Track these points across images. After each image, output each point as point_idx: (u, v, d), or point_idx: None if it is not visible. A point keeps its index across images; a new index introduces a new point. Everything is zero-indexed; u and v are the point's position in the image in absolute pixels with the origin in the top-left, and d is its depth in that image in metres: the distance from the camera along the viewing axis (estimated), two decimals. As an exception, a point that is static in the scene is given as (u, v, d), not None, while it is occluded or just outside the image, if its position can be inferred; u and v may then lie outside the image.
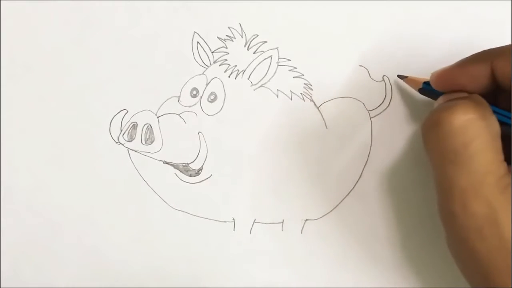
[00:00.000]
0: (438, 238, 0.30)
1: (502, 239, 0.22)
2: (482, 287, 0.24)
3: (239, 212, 0.32)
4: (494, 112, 0.25)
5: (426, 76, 0.28)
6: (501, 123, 0.25)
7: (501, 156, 0.23)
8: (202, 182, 0.32)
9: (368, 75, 0.31)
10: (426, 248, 0.31)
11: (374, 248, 0.31)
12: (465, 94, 0.25)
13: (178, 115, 0.32)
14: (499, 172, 0.23)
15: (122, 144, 0.32)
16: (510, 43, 0.25)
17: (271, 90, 0.31)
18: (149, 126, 0.31)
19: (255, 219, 0.32)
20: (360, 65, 0.31)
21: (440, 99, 0.27)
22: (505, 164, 0.24)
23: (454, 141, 0.23)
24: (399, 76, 0.30)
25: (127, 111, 0.32)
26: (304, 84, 0.31)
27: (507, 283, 0.22)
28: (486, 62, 0.25)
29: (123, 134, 0.32)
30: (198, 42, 0.32)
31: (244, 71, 0.31)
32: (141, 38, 0.32)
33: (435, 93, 0.27)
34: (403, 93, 0.31)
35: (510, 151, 0.26)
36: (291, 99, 0.31)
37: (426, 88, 0.28)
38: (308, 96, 0.31)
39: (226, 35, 0.31)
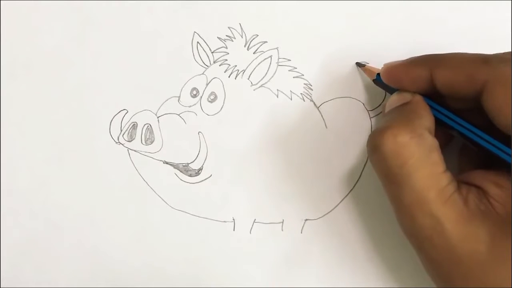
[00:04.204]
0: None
1: (450, 247, 0.23)
2: None
3: (239, 212, 0.32)
4: (441, 113, 0.26)
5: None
6: (444, 124, 0.26)
7: (440, 168, 0.24)
8: (202, 182, 0.32)
9: (368, 75, 0.31)
10: (426, 248, 0.31)
11: (373, 248, 0.31)
12: (408, 98, 0.26)
13: (178, 115, 0.32)
14: (439, 185, 0.24)
15: (122, 144, 0.32)
16: (443, 48, 0.26)
17: (271, 90, 0.31)
18: (149, 126, 0.31)
19: (255, 219, 0.32)
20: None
21: (389, 101, 0.28)
22: (447, 174, 0.24)
23: (390, 164, 0.24)
24: (357, 63, 0.30)
25: (127, 111, 0.32)
26: (304, 84, 0.31)
27: (464, 285, 0.24)
28: (426, 68, 0.26)
29: (123, 134, 0.32)
30: (198, 42, 0.32)
31: (244, 71, 0.31)
32: (141, 38, 0.32)
33: (387, 86, 0.28)
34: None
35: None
36: (291, 99, 0.31)
37: (379, 80, 0.28)
38: (308, 96, 0.31)
39: (226, 35, 0.31)
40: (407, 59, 0.27)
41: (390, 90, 0.28)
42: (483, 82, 0.24)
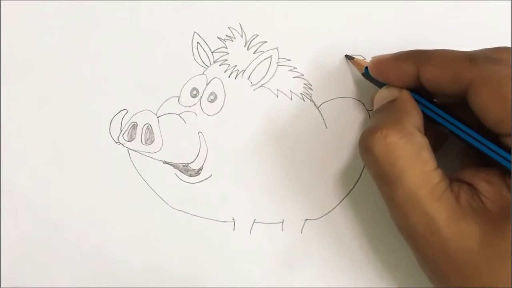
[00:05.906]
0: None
1: (444, 244, 0.23)
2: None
3: (239, 212, 0.32)
4: (428, 109, 0.26)
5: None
6: (433, 120, 0.26)
7: (431, 166, 0.24)
8: (202, 182, 0.32)
9: (368, 75, 0.31)
10: (426, 248, 0.31)
11: (373, 248, 0.31)
12: (396, 94, 0.27)
13: (178, 115, 0.32)
14: (431, 183, 0.24)
15: (122, 144, 0.32)
16: (443, 48, 0.26)
17: (271, 90, 0.31)
18: (149, 126, 0.31)
19: (255, 219, 0.32)
20: (360, 65, 0.31)
21: (377, 96, 0.28)
22: (438, 172, 0.24)
23: (382, 164, 0.24)
24: (346, 56, 0.30)
25: (127, 111, 0.32)
26: (304, 84, 0.31)
27: (458, 283, 0.24)
28: (412, 63, 0.26)
29: (123, 134, 0.32)
30: (198, 42, 0.32)
31: (244, 71, 0.31)
32: (141, 38, 0.32)
33: (376, 80, 0.28)
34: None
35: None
36: (291, 99, 0.31)
37: (367, 74, 0.28)
38: (308, 96, 0.31)
39: (226, 35, 0.31)
40: (395, 53, 0.27)
41: (378, 84, 0.28)
42: (469, 81, 0.24)
